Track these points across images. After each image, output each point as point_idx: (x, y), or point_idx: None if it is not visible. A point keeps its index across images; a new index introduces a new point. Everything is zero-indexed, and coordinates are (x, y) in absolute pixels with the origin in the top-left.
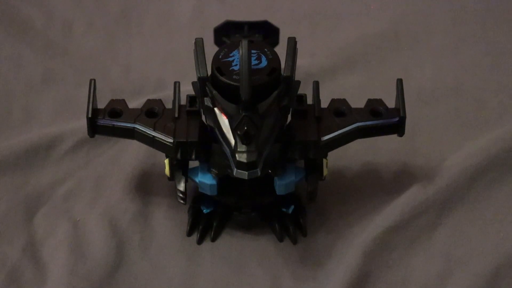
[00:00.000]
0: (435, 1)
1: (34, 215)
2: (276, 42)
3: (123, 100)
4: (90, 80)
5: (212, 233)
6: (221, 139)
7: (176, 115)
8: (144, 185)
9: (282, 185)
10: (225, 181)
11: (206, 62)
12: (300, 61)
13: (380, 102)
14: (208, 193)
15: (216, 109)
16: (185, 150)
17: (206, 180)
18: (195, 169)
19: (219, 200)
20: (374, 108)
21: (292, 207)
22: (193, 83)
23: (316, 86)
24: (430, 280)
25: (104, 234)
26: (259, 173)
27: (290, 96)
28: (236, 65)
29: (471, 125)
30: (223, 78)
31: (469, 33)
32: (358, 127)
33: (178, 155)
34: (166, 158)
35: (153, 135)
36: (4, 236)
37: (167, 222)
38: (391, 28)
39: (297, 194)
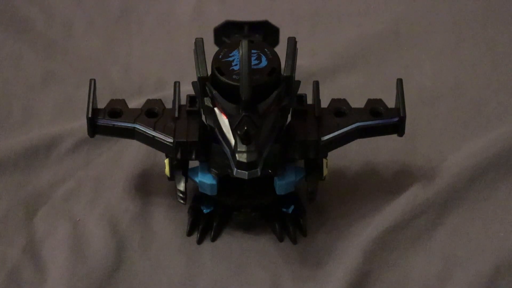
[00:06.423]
0: (435, 1)
1: (34, 215)
2: (276, 42)
3: (123, 100)
4: (90, 80)
5: (212, 233)
6: (221, 139)
7: (176, 115)
8: (144, 185)
9: (282, 185)
10: (225, 181)
11: (206, 62)
12: (300, 61)
13: (380, 102)
14: (208, 193)
15: (216, 109)
16: (185, 150)
17: (206, 180)
18: (195, 169)
19: (219, 200)
20: (374, 108)
21: (292, 207)
22: (193, 83)
23: (316, 86)
24: (430, 280)
25: (104, 234)
26: (259, 173)
27: (290, 96)
28: (236, 65)
29: (471, 125)
30: (223, 78)
31: (469, 33)
32: (358, 127)
33: (178, 155)
34: (166, 158)
35: (153, 135)
36: (4, 236)
37: (167, 222)
38: (391, 28)
39: (297, 194)
